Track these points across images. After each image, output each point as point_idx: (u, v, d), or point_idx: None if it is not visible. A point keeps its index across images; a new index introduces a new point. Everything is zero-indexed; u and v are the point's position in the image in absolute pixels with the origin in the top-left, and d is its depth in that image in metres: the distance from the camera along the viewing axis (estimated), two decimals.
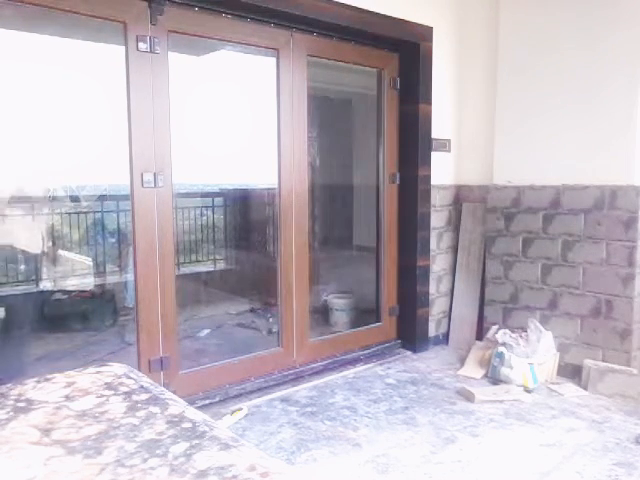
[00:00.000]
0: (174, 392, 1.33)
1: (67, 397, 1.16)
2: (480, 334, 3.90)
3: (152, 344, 2.88)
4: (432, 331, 4.06)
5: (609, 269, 3.26)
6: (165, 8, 2.76)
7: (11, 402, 1.13)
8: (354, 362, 3.69)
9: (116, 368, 1.34)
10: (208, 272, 6.27)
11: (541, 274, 3.58)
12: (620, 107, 3.19)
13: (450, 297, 4.15)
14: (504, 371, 3.33)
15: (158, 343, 2.90)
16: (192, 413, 1.10)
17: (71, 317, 4.41)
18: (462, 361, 3.70)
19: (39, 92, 4.10)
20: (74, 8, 2.52)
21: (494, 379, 3.38)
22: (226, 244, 6.67)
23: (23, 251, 4.01)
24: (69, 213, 5.23)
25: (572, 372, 3.42)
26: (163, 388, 1.27)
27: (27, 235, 3.97)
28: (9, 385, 1.22)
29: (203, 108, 5.14)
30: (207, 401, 3.01)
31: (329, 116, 5.53)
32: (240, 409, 2.92)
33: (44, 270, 4.64)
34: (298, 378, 3.39)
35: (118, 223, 5.47)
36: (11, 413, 1.08)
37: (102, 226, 5.55)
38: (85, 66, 3.99)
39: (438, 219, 4.01)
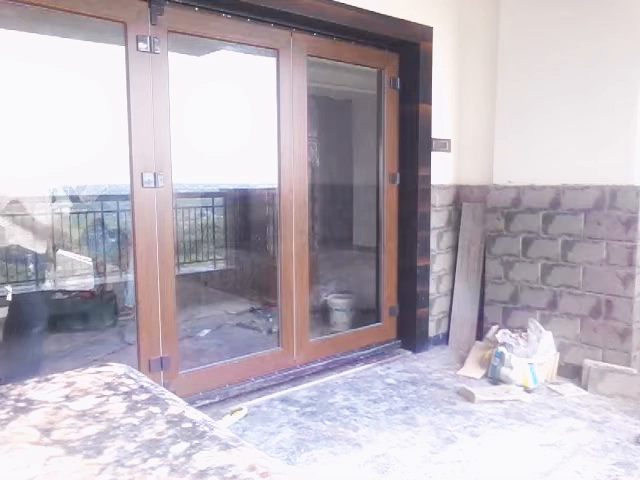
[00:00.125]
0: (174, 392, 1.33)
1: (67, 397, 1.16)
2: (480, 334, 3.90)
3: (152, 344, 2.88)
4: (432, 331, 4.06)
5: (609, 269, 3.26)
6: (165, 8, 2.76)
7: (11, 402, 1.13)
8: (354, 362, 3.69)
9: (116, 368, 1.34)
10: (208, 272, 6.28)
11: (541, 274, 3.58)
12: (620, 107, 3.19)
13: (450, 297, 4.15)
14: (504, 371, 3.33)
15: (158, 343, 2.90)
16: (192, 413, 1.10)
17: (71, 317, 4.41)
18: (462, 361, 3.70)
19: (39, 92, 4.10)
20: (74, 8, 2.52)
21: (494, 379, 3.39)
22: (226, 244, 6.67)
23: (29, 251, 4.05)
24: (70, 213, 5.23)
25: (572, 372, 3.42)
26: (163, 388, 1.27)
27: (33, 235, 4.00)
28: (9, 385, 1.22)
29: (203, 108, 5.14)
30: (207, 401, 3.01)
31: (329, 116, 5.53)
32: (240, 409, 2.92)
33: (45, 270, 4.64)
34: (298, 378, 3.39)
35: (118, 223, 5.47)
36: (11, 413, 1.08)
37: (102, 226, 5.55)
38: (85, 66, 3.99)
39: (438, 219, 4.01)
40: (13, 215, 3.82)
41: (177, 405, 1.13)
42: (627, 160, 3.18)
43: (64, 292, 4.65)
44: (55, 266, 4.62)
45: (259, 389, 3.22)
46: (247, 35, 3.10)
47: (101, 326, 4.54)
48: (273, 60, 3.26)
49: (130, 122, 2.73)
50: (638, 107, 3.13)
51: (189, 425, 1.03)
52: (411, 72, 3.79)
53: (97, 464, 0.89)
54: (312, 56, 3.42)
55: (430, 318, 4.03)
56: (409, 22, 3.62)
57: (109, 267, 5.41)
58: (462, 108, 4.07)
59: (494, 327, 3.71)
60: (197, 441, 0.96)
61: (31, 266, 4.25)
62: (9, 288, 3.96)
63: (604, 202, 3.27)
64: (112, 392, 1.19)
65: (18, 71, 3.93)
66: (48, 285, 4.39)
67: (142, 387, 1.22)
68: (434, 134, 3.89)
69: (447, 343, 4.12)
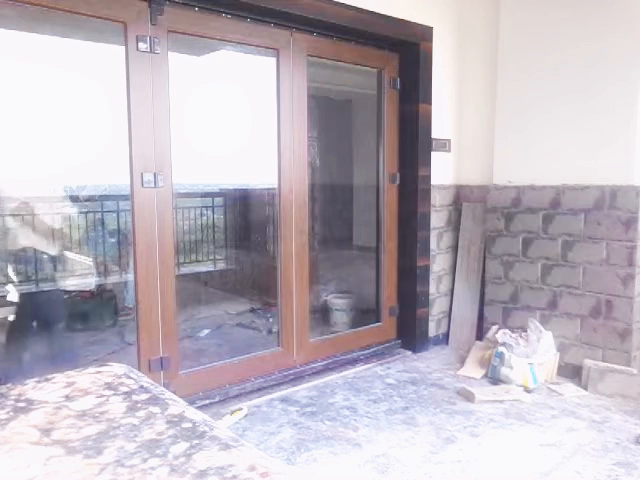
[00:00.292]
0: (174, 392, 1.33)
1: (67, 397, 1.16)
2: (480, 334, 3.90)
3: (152, 344, 2.88)
4: (432, 331, 4.06)
5: (609, 269, 3.26)
6: (165, 8, 2.76)
7: (11, 402, 1.13)
8: (354, 362, 3.69)
9: (116, 368, 1.34)
10: (208, 272, 6.28)
11: (541, 274, 3.58)
12: (620, 107, 3.19)
13: (450, 297, 4.15)
14: (504, 371, 3.33)
15: (158, 343, 2.90)
16: (192, 413, 1.10)
17: (71, 317, 4.40)
18: (462, 361, 3.70)
19: (39, 92, 4.10)
20: (74, 8, 2.52)
21: (494, 379, 3.38)
22: (226, 244, 6.67)
23: (43, 253, 4.14)
24: (76, 214, 5.23)
25: (572, 372, 3.42)
26: (163, 388, 1.27)
27: (45, 237, 4.07)
28: (9, 385, 1.22)
29: (203, 108, 5.14)
30: (207, 401, 3.01)
31: (329, 116, 5.53)
32: (240, 409, 2.92)
33: (44, 270, 4.64)
34: (298, 378, 3.39)
35: (118, 223, 5.47)
36: (11, 413, 1.08)
37: (102, 226, 5.55)
38: (85, 66, 3.99)
39: (438, 219, 4.01)
40: (22, 215, 3.87)
41: (177, 405, 1.13)
42: (627, 160, 3.18)
43: (64, 292, 4.64)
44: (65, 266, 4.64)
45: (259, 389, 3.22)
46: (247, 35, 3.10)
47: (101, 326, 4.54)
48: (273, 60, 3.26)
49: (130, 122, 2.73)
50: (638, 107, 3.13)
51: (189, 425, 1.03)
52: (411, 72, 3.79)
53: (97, 464, 0.89)
54: (312, 56, 3.42)
55: (430, 318, 4.03)
56: (409, 22, 3.62)
57: (109, 267, 5.41)
58: (462, 108, 4.07)
59: (494, 327, 3.71)
60: (197, 441, 0.96)
61: (47, 266, 4.34)
62: (11, 288, 4.02)
63: (604, 202, 3.27)
64: (112, 392, 1.19)
65: (18, 71, 3.93)
66: (48, 285, 4.41)
67: (142, 387, 1.23)
68: (434, 134, 3.89)
69: (447, 343, 4.12)
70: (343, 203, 5.75)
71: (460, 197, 4.12)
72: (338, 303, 4.42)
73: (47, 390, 1.19)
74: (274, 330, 3.96)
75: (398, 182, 3.91)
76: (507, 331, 3.57)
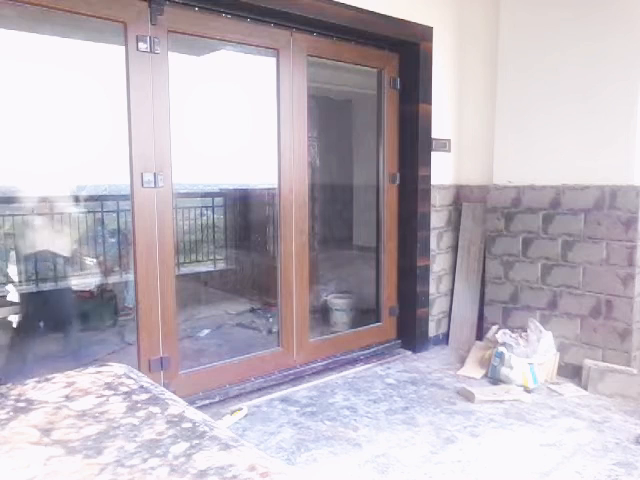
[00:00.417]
0: (174, 392, 1.33)
1: (67, 397, 1.16)
2: (480, 334, 3.90)
3: (152, 344, 2.88)
4: (432, 331, 4.06)
5: (609, 269, 3.26)
6: (165, 8, 2.76)
7: (11, 402, 1.13)
8: (354, 362, 3.69)
9: (116, 368, 1.34)
10: (208, 272, 6.27)
11: (541, 274, 3.58)
12: (620, 107, 3.19)
13: (450, 297, 4.15)
14: (504, 371, 3.33)
15: (158, 343, 2.90)
16: (192, 413, 1.10)
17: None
18: (462, 361, 3.70)
19: (39, 92, 4.10)
20: (74, 8, 2.52)
21: (494, 379, 3.38)
22: (226, 244, 6.67)
23: (58, 255, 4.28)
24: (70, 213, 5.23)
25: (572, 372, 3.42)
26: (163, 388, 1.27)
27: (60, 238, 4.22)
28: (9, 385, 1.22)
29: (203, 108, 5.14)
30: (207, 401, 3.01)
31: (329, 116, 5.53)
32: (240, 409, 2.92)
33: (44, 270, 4.65)
34: (298, 378, 3.39)
35: (118, 223, 5.47)
36: (11, 413, 1.08)
37: (102, 226, 5.55)
38: (85, 66, 3.99)
39: (438, 219, 4.01)
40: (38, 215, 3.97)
41: (177, 405, 1.13)
42: (627, 160, 3.18)
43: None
44: (73, 266, 4.68)
45: (259, 389, 3.22)
46: (247, 35, 3.10)
47: (101, 326, 4.54)
48: (273, 60, 3.26)
49: (130, 122, 2.73)
50: (638, 107, 3.13)
51: (189, 425, 1.03)
52: (411, 72, 3.79)
53: (97, 464, 0.89)
54: (312, 56, 3.42)
55: (430, 318, 4.03)
56: (409, 22, 3.62)
57: (109, 267, 5.40)
58: (462, 108, 4.07)
59: (494, 327, 3.71)
60: (197, 441, 0.96)
61: (59, 267, 4.49)
62: (9, 288, 4.09)
63: (604, 202, 3.27)
64: (112, 392, 1.19)
65: (18, 71, 3.93)
66: (47, 285, 4.43)
67: (142, 387, 1.23)
68: (434, 134, 3.89)
69: (447, 343, 4.12)
70: (343, 203, 5.75)
71: (460, 197, 4.12)
72: (338, 303, 4.42)
73: (47, 390, 1.19)
74: (274, 330, 3.96)
75: (398, 182, 3.91)
76: (507, 331, 3.56)
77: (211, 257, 6.58)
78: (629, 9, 3.14)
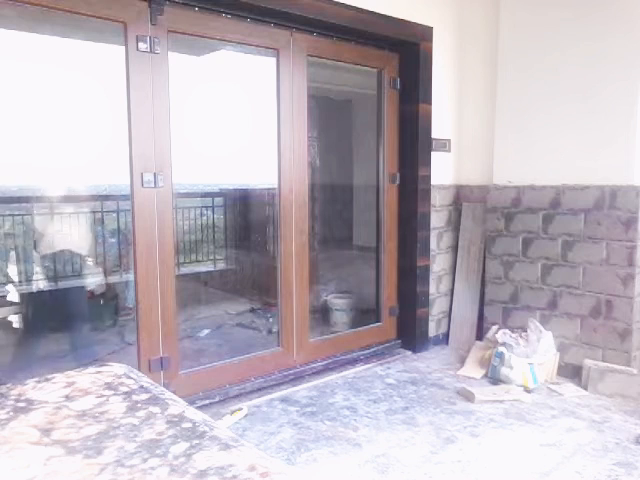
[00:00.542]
0: (174, 392, 1.33)
1: (67, 397, 1.16)
2: (480, 334, 3.90)
3: (152, 344, 2.88)
4: (432, 331, 4.06)
5: (609, 269, 3.26)
6: (165, 8, 2.76)
7: (11, 402, 1.13)
8: (354, 362, 3.69)
9: (116, 368, 1.34)
10: (208, 272, 6.28)
11: (541, 274, 3.58)
12: (620, 107, 3.19)
13: (450, 297, 4.15)
14: (504, 371, 3.33)
15: (158, 343, 2.90)
16: (192, 413, 1.10)
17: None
18: (462, 361, 3.70)
19: (39, 92, 4.10)
20: (74, 8, 2.52)
21: (494, 379, 3.38)
22: (226, 244, 6.67)
23: (77, 254, 4.41)
24: (70, 213, 5.23)
25: (572, 372, 3.42)
26: (163, 388, 1.27)
27: (79, 237, 4.34)
28: (9, 385, 1.22)
29: (203, 108, 5.15)
30: (207, 401, 3.01)
31: (329, 116, 5.53)
32: (240, 409, 2.92)
33: (44, 270, 4.65)
34: (298, 378, 3.39)
35: (118, 223, 5.47)
36: (11, 413, 1.08)
37: (102, 226, 5.55)
38: (85, 66, 3.99)
39: (438, 219, 4.01)
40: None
41: (177, 405, 1.13)
42: (627, 160, 3.18)
43: (63, 292, 4.64)
44: (55, 266, 4.68)
45: (259, 389, 3.22)
46: (247, 35, 3.10)
47: (101, 326, 4.53)
48: (273, 60, 3.26)
49: (130, 122, 2.73)
50: (638, 107, 3.13)
51: (189, 425, 1.03)
52: (411, 72, 3.79)
53: (97, 464, 0.89)
54: (312, 56, 3.42)
55: (430, 318, 4.03)
56: (409, 22, 3.62)
57: (109, 267, 5.41)
58: (462, 108, 4.07)
59: (494, 327, 3.71)
60: (197, 441, 0.96)
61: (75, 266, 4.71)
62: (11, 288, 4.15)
63: (604, 202, 3.27)
64: (112, 392, 1.19)
65: (18, 71, 3.93)
66: (47, 285, 4.45)
67: (142, 387, 1.23)
68: (434, 134, 3.89)
69: (447, 343, 4.12)
70: (343, 203, 5.75)
71: (460, 197, 4.12)
72: (338, 303, 4.42)
73: (47, 390, 1.19)
74: (274, 330, 3.96)
75: (398, 182, 3.91)
76: (507, 331, 3.56)
77: (211, 257, 6.58)
78: (629, 9, 3.14)
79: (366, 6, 3.34)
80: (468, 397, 3.13)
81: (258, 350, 3.50)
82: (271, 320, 4.53)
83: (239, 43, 3.16)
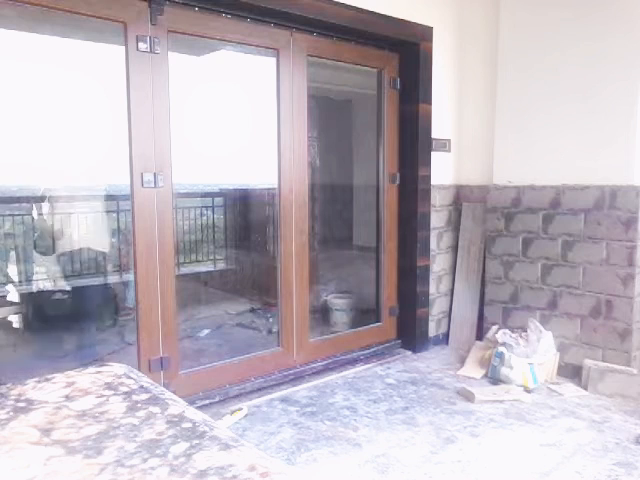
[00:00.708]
0: (174, 392, 1.33)
1: (67, 397, 1.16)
2: (480, 334, 3.90)
3: (152, 344, 2.88)
4: (432, 331, 4.06)
5: (609, 269, 3.26)
6: (165, 8, 2.76)
7: (11, 402, 1.13)
8: (354, 362, 3.69)
9: (116, 368, 1.34)
10: (208, 272, 6.28)
11: (541, 274, 3.58)
12: (620, 107, 3.19)
13: (450, 297, 4.15)
14: (504, 371, 3.33)
15: (158, 343, 2.90)
16: (192, 413, 1.10)
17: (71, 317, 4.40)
18: (462, 361, 3.70)
19: (39, 92, 4.10)
20: (74, 8, 2.52)
21: (494, 379, 3.38)
22: (226, 244, 6.67)
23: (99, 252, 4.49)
24: (69, 213, 5.24)
25: (572, 372, 3.42)
26: (163, 388, 1.27)
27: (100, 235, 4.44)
28: (9, 385, 1.22)
29: (203, 108, 5.15)
30: (207, 401, 3.01)
31: (329, 116, 5.53)
32: (240, 409, 2.92)
33: (43, 270, 4.66)
34: (298, 378, 3.39)
35: (118, 223, 5.47)
36: (11, 413, 1.08)
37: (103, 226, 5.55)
38: (85, 66, 3.99)
39: (438, 219, 4.01)
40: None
41: (177, 405, 1.13)
42: (627, 160, 3.18)
43: (63, 292, 4.65)
44: (55, 266, 4.69)
45: (259, 389, 3.22)
46: (247, 35, 3.10)
47: (101, 326, 4.53)
48: (273, 60, 3.26)
49: (130, 122, 2.73)
50: (638, 107, 3.13)
51: (189, 425, 1.03)
52: (411, 72, 3.79)
53: (97, 464, 0.89)
54: (312, 56, 3.42)
55: (430, 318, 4.03)
56: (409, 22, 3.62)
57: (109, 266, 5.41)
58: (462, 108, 4.07)
59: (494, 327, 3.71)
60: (197, 441, 0.96)
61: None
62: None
63: (604, 202, 3.27)
64: (112, 392, 1.19)
65: (18, 71, 3.93)
66: (47, 285, 4.46)
67: (142, 387, 1.23)
68: (434, 134, 3.89)
69: (447, 343, 4.12)
70: (343, 203, 5.75)
71: (460, 197, 4.12)
72: (338, 303, 4.42)
73: (47, 390, 1.19)
74: (274, 330, 3.96)
75: (398, 182, 3.91)
76: (507, 331, 3.56)
77: (211, 257, 6.58)
78: (629, 9, 3.14)
79: (366, 6, 3.34)
80: (468, 397, 3.13)
81: (258, 350, 3.50)
82: (271, 320, 4.53)
83: (239, 43, 3.16)
